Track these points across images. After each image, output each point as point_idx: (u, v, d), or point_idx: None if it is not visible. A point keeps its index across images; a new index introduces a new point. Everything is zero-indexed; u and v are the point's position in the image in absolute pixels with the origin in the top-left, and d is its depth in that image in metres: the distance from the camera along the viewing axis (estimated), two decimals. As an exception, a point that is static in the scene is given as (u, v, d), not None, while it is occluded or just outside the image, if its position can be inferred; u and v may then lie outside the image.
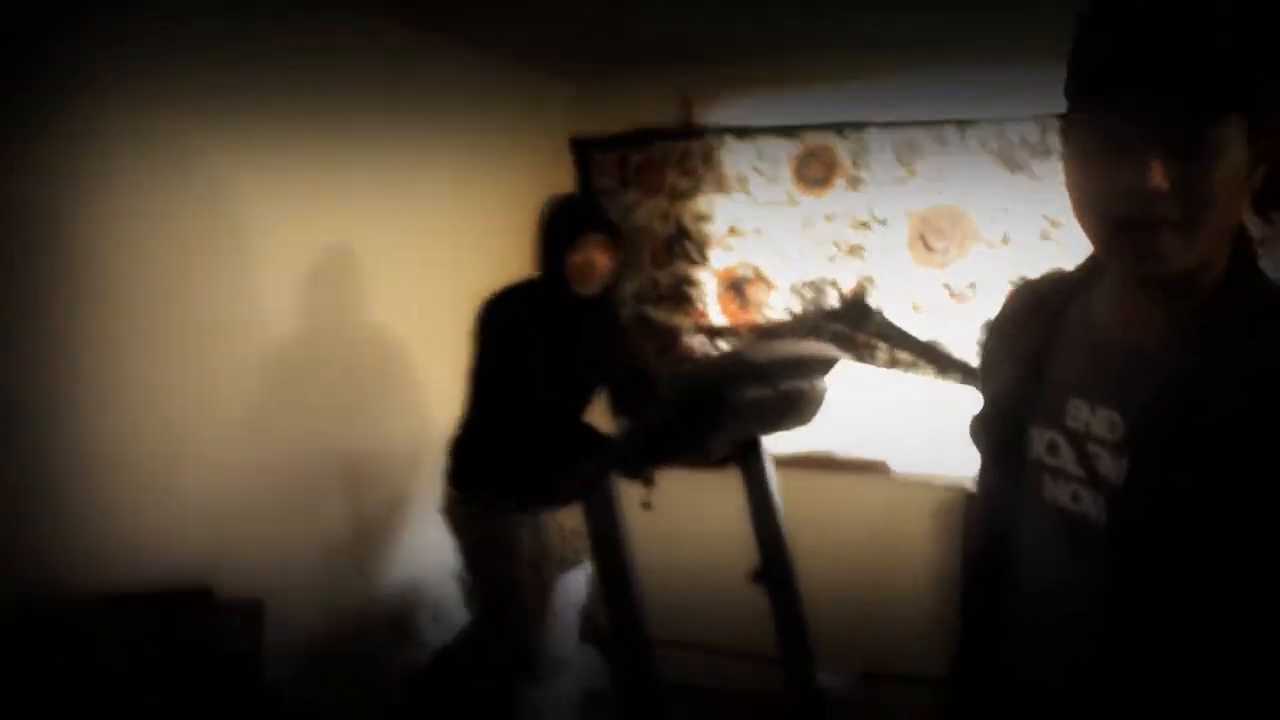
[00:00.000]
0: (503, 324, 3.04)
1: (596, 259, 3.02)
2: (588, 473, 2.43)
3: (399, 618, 3.73)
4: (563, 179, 4.38)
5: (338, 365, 3.46)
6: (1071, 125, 1.12)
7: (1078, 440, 1.21)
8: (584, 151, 4.43)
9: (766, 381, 2.42)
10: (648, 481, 2.69)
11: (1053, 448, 1.24)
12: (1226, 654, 1.10)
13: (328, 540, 3.45)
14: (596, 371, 3.23)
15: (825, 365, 2.70)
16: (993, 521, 1.37)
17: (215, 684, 2.77)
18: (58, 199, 2.51)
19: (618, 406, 3.31)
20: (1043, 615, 1.28)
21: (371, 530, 3.65)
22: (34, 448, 2.53)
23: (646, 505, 2.81)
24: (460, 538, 3.17)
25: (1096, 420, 1.19)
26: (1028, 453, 1.26)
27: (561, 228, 3.05)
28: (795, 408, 2.61)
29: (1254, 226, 3.24)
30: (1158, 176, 1.03)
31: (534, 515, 3.12)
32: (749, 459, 2.85)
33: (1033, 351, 1.29)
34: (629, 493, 2.64)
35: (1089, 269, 1.30)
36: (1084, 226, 1.14)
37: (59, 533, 2.57)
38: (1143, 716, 1.16)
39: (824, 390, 2.69)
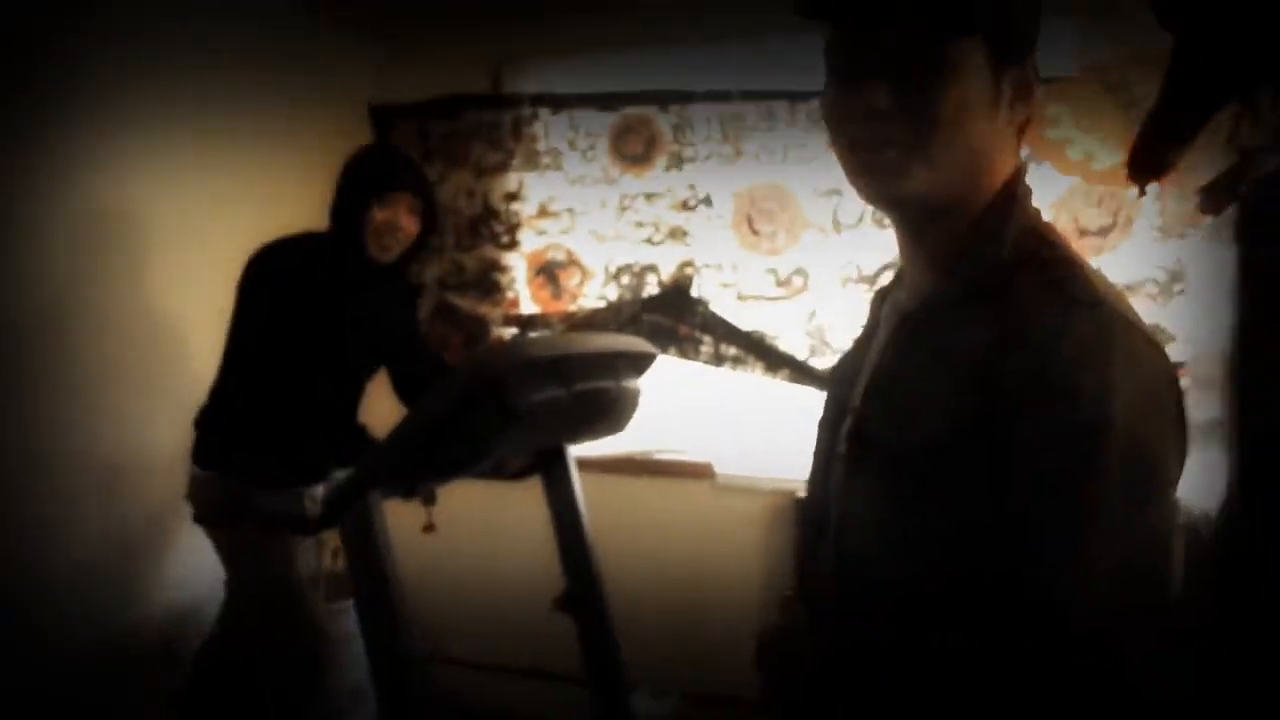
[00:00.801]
0: (274, 281, 2.61)
1: (402, 221, 2.63)
2: (341, 493, 2.03)
3: (169, 642, 3.28)
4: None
5: (94, 351, 3.06)
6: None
7: None
8: (384, 120, 4.03)
9: (558, 381, 2.06)
10: (426, 500, 2.31)
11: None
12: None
13: (82, 553, 3.04)
14: (377, 352, 2.81)
15: (636, 363, 2.36)
16: (803, 527, 1.35)
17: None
18: None
19: (401, 394, 2.90)
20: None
21: (135, 542, 3.22)
22: None
23: (428, 528, 2.43)
24: (220, 541, 2.72)
25: None
26: (837, 447, 1.22)
27: (367, 179, 2.64)
28: (597, 412, 2.26)
29: (1092, 215, 3.02)
30: (878, 97, 1.03)
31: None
32: (551, 471, 2.49)
33: (861, 340, 1.30)
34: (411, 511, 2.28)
35: None
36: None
37: None
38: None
39: (634, 392, 2.35)
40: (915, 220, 1.13)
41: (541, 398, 2.01)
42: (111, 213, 3.08)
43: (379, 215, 2.60)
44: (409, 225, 2.65)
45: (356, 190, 2.63)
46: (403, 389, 2.89)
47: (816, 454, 1.30)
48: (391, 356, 2.85)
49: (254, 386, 2.61)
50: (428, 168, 3.89)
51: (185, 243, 3.28)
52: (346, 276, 2.66)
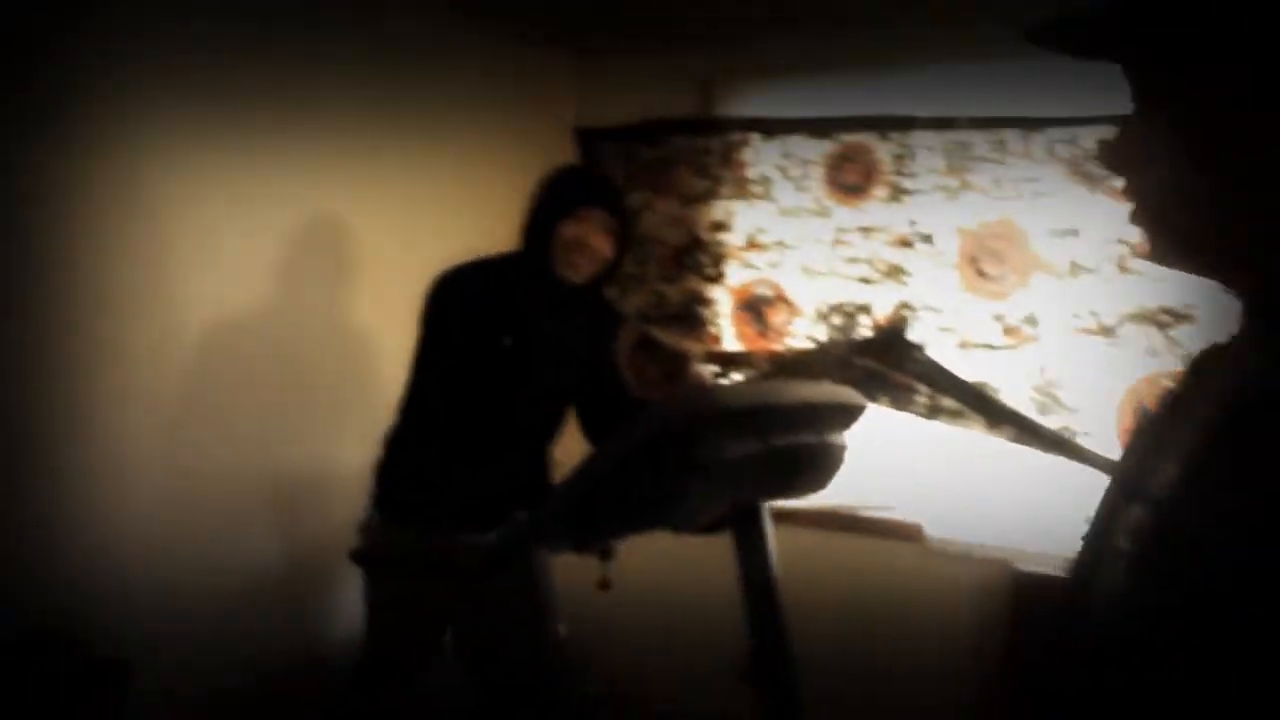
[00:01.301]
0: (457, 306, 2.46)
1: (591, 238, 2.43)
2: (506, 544, 1.85)
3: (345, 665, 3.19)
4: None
5: (287, 369, 3.03)
6: None
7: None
8: (589, 143, 3.90)
9: (755, 434, 1.83)
10: (603, 555, 2.10)
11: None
12: None
13: (257, 580, 2.99)
14: (566, 382, 2.63)
15: (843, 416, 2.10)
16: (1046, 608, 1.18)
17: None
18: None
19: (589, 434, 2.71)
20: None
21: (312, 569, 3.15)
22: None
23: (604, 585, 2.22)
24: (369, 591, 2.60)
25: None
26: (1119, 539, 0.98)
27: (557, 195, 2.47)
28: (798, 469, 2.02)
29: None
30: (1126, 134, 0.91)
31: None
32: (743, 529, 2.25)
33: (1166, 413, 1.04)
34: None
35: None
36: None
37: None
38: None
39: (840, 448, 2.10)
40: (1227, 283, 0.92)
41: (735, 452, 1.78)
42: (316, 225, 3.06)
43: (568, 231, 2.42)
44: (600, 244, 2.46)
45: (546, 205, 2.47)
46: (590, 427, 2.70)
47: (1091, 532, 1.10)
48: (581, 389, 2.67)
49: (434, 419, 2.47)
50: (632, 194, 3.76)
51: (380, 260, 3.23)
52: (534, 296, 2.50)
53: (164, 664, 2.61)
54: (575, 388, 2.65)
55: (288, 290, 3.00)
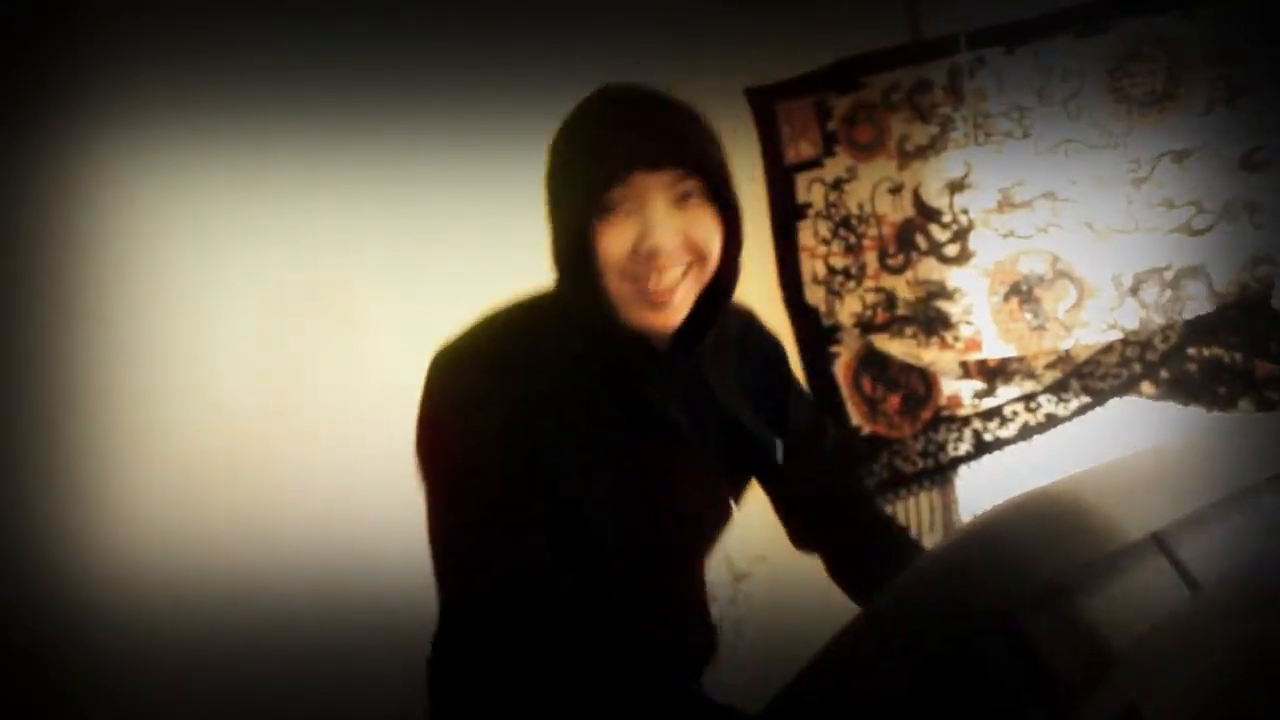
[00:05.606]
0: (486, 408, 1.40)
1: (658, 233, 1.23)
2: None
3: None
4: (739, 148, 2.92)
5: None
6: None
7: None
8: (765, 104, 2.99)
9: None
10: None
11: None
12: None
13: None
14: (714, 514, 1.58)
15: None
16: None
17: None
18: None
19: (799, 541, 1.69)
20: None
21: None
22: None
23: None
24: None
25: None
26: None
27: (585, 166, 1.26)
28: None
29: None
30: None
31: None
32: None
33: None
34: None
35: None
36: None
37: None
38: None
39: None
40: None
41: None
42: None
43: (609, 241, 1.24)
44: (687, 243, 1.24)
45: (566, 194, 1.27)
46: (799, 529, 1.69)
47: None
48: (764, 479, 1.64)
49: (484, 627, 1.39)
50: (830, 161, 2.84)
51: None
52: (600, 380, 1.37)
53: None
54: (723, 516, 1.61)
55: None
